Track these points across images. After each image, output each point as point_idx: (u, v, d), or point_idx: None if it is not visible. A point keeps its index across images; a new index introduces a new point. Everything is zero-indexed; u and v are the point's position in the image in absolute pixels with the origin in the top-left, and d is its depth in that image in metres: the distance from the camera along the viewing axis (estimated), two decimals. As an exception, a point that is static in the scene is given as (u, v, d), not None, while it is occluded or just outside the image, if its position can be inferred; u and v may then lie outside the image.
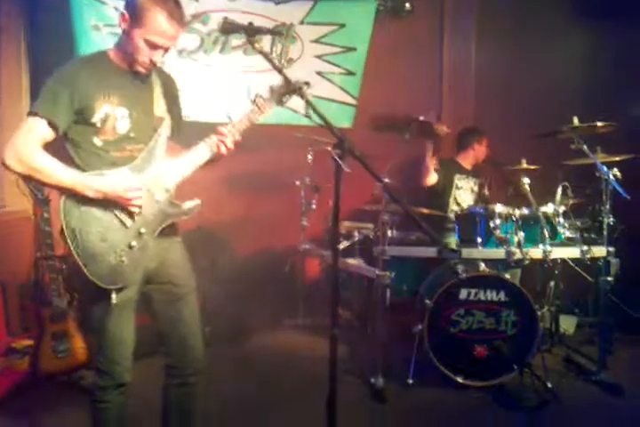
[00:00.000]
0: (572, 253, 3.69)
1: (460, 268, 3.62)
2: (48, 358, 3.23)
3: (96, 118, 2.10)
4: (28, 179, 2.11)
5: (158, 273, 2.28)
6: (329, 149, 2.01)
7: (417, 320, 3.53)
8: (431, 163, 4.34)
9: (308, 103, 2.09)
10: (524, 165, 3.97)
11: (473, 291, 3.49)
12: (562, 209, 3.79)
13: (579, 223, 3.94)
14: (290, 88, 2.26)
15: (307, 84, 2.24)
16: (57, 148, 2.13)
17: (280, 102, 2.34)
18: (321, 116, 2.06)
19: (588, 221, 4.11)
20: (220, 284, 4.35)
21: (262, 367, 3.81)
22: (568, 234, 3.76)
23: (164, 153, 2.25)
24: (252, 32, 2.13)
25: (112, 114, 2.13)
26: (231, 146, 2.26)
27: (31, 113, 2.05)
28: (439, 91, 5.54)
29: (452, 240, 3.97)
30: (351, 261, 3.95)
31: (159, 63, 2.20)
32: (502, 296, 3.49)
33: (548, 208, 3.76)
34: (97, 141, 2.12)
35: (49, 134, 2.06)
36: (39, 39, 4.22)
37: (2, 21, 4.07)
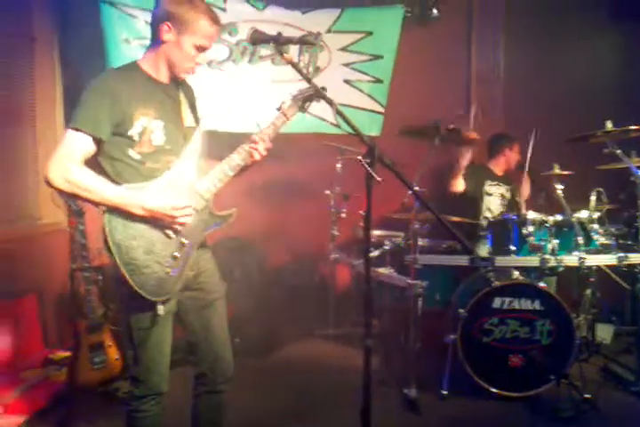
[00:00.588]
0: (607, 260, 3.62)
1: (492, 276, 3.58)
2: (85, 369, 3.26)
3: (133, 131, 2.11)
4: (71, 196, 2.08)
5: (193, 281, 2.31)
6: (359, 157, 2.00)
7: (450, 330, 3.49)
8: (460, 169, 4.30)
9: (338, 113, 2.08)
10: (557, 171, 3.91)
11: (507, 300, 3.44)
12: (596, 215, 3.74)
13: (614, 229, 3.87)
14: (310, 93, 2.31)
15: (323, 88, 2.24)
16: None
17: (302, 108, 2.37)
18: (350, 125, 2.07)
19: (624, 227, 4.03)
20: (251, 293, 4.36)
21: (293, 377, 3.80)
22: (603, 240, 3.70)
23: (198, 163, 2.28)
24: (280, 42, 2.14)
25: (149, 126, 2.14)
26: (264, 152, 2.29)
27: (72, 127, 2.04)
28: (467, 97, 5.50)
29: (485, 248, 3.93)
30: (382, 270, 3.93)
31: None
32: (537, 305, 3.43)
33: (582, 214, 3.72)
34: (133, 154, 2.13)
35: (91, 148, 2.07)
36: (72, 52, 4.29)
37: (35, 33, 4.15)
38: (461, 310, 3.42)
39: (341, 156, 4.46)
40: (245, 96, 4.61)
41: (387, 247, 4.08)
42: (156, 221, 2.11)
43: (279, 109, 2.33)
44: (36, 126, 4.18)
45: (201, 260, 2.35)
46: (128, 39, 4.09)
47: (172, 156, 2.22)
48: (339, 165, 4.51)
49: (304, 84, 2.23)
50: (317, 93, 2.19)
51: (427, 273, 3.57)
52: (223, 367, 2.41)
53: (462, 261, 3.63)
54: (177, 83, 2.32)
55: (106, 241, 2.04)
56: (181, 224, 2.15)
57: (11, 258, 3.72)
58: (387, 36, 5.04)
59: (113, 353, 3.37)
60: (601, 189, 3.88)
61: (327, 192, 4.52)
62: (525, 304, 3.43)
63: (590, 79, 5.08)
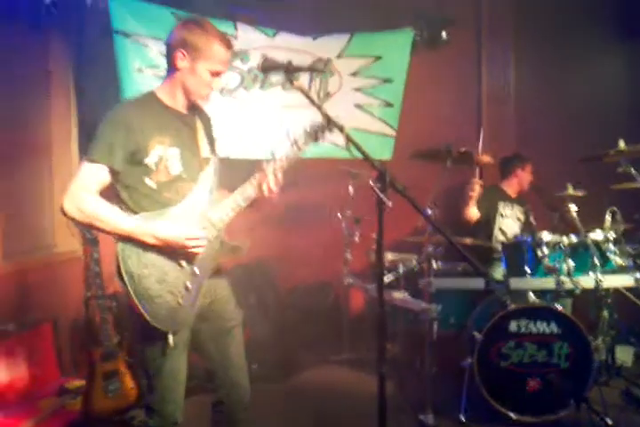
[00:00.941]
0: (625, 280, 3.59)
1: (508, 299, 3.55)
2: (100, 398, 3.26)
3: (149, 160, 2.13)
4: (86, 226, 2.13)
5: (209, 309, 2.30)
6: (370, 182, 2.01)
7: (466, 354, 3.45)
8: (474, 195, 4.28)
9: (349, 139, 2.10)
10: (570, 191, 3.88)
11: (523, 323, 3.39)
12: (612, 235, 3.70)
13: (630, 249, 3.82)
14: (323, 125, 2.27)
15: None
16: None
17: (316, 139, 2.31)
18: (361, 151, 2.08)
19: (640, 247, 3.99)
20: (266, 319, 4.35)
21: (308, 403, 3.75)
22: (619, 261, 3.67)
23: (213, 193, 2.29)
24: (290, 70, 2.16)
25: (164, 155, 2.16)
26: (274, 187, 2.24)
27: (87, 158, 2.08)
28: (478, 118, 5.52)
29: (499, 271, 3.90)
30: (396, 294, 3.90)
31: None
32: (554, 328, 3.39)
33: (597, 235, 3.68)
34: (150, 183, 2.15)
35: (106, 179, 2.11)
36: (86, 84, 4.35)
37: (51, 65, 4.23)
38: (477, 334, 3.39)
39: (353, 180, 4.46)
40: (257, 122, 4.65)
41: (400, 271, 4.06)
42: (168, 251, 2.12)
43: (292, 145, 2.27)
44: (52, 157, 4.25)
45: (217, 287, 2.35)
46: (141, 68, 4.15)
47: (188, 184, 2.23)
48: (351, 189, 4.51)
49: (315, 110, 2.22)
50: (328, 123, 2.19)
51: (441, 296, 3.54)
52: (240, 394, 2.40)
53: (477, 284, 3.60)
54: (194, 112, 2.34)
55: (119, 270, 2.06)
56: (194, 254, 2.15)
57: (26, 286, 3.74)
58: (396, 60, 5.08)
59: (128, 381, 3.36)
60: (616, 209, 3.85)
61: (339, 216, 4.52)
62: (542, 327, 3.39)
63: (602, 97, 5.08)
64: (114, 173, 2.10)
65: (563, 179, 3.98)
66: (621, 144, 3.61)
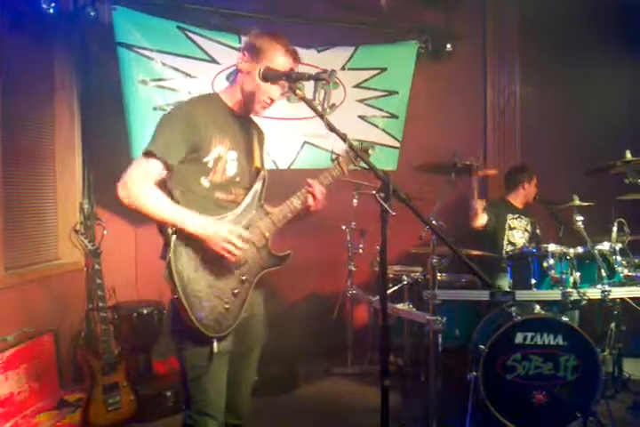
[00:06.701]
0: (632, 292, 3.54)
1: (514, 311, 3.51)
2: (99, 411, 3.23)
3: (209, 157, 2.12)
4: (140, 213, 2.05)
5: (244, 324, 2.24)
6: (374, 192, 1.99)
7: (471, 366, 3.40)
8: (479, 204, 4.27)
9: (352, 149, 2.09)
10: (577, 202, 3.85)
11: (529, 335, 3.34)
12: (618, 246, 3.67)
13: (637, 260, 3.79)
14: (367, 148, 2.41)
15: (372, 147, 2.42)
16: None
17: (353, 162, 2.40)
18: (365, 161, 2.08)
19: (647, 257, 3.94)
20: (267, 331, 4.31)
21: (311, 417, 3.70)
22: (627, 272, 3.63)
23: (263, 201, 2.31)
24: (293, 79, 2.14)
25: (224, 156, 2.16)
26: (319, 195, 2.33)
27: (146, 151, 2.06)
28: (484, 130, 5.52)
29: (505, 282, 3.86)
30: (400, 306, 3.86)
31: (276, 101, 2.28)
32: (560, 340, 3.33)
33: (604, 246, 3.65)
34: (204, 182, 2.14)
35: (161, 173, 2.06)
36: (90, 98, 4.37)
37: (57, 82, 4.27)
38: (482, 346, 3.34)
39: (357, 191, 4.44)
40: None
41: (405, 282, 4.02)
42: (215, 252, 2.05)
43: (334, 161, 2.40)
44: (56, 170, 4.27)
45: (255, 303, 2.32)
46: (145, 80, 4.15)
47: (240, 188, 2.24)
48: (355, 200, 4.49)
49: (319, 121, 2.20)
50: (331, 129, 2.17)
51: (446, 308, 3.50)
52: (241, 411, 2.36)
53: (482, 295, 3.57)
54: (251, 120, 2.37)
55: (170, 271, 1.99)
56: (234, 255, 2.08)
57: (28, 297, 3.72)
58: (401, 72, 5.09)
59: (127, 394, 3.33)
60: (622, 220, 3.81)
61: (343, 227, 4.49)
62: (548, 339, 3.34)
63: (607, 108, 5.08)
64: (169, 168, 2.06)
65: (569, 190, 3.95)
66: (628, 155, 3.59)
